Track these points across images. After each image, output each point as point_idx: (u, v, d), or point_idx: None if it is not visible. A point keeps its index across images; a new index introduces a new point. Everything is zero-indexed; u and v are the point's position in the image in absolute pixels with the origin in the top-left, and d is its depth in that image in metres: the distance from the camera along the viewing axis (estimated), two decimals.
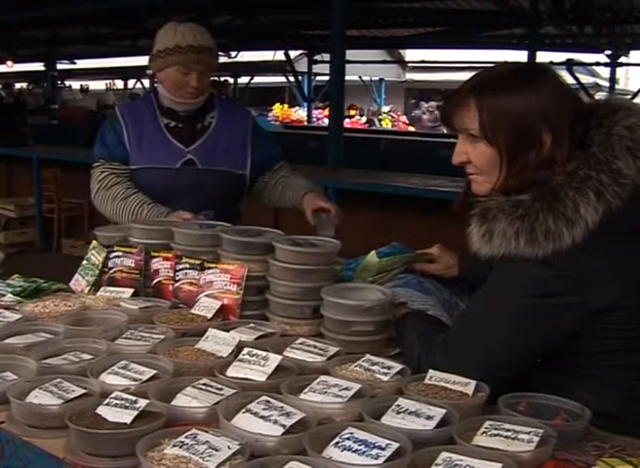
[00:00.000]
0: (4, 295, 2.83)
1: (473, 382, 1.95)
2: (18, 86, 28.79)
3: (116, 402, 1.79)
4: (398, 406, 1.81)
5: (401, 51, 25.73)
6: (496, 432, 1.71)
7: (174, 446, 1.61)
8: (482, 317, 2.04)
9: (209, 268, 2.56)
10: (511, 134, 1.96)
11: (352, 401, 1.85)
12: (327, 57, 10.72)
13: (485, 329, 2.02)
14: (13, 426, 1.87)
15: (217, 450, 1.59)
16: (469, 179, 2.13)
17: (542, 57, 13.49)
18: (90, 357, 2.14)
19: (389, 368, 2.07)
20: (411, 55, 25.37)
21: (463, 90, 2.03)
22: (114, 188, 3.36)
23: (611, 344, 2.00)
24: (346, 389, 1.89)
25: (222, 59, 21.70)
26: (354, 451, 1.59)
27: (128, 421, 1.72)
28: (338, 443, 1.62)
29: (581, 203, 1.89)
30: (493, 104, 1.96)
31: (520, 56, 15.31)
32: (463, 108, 2.01)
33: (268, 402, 1.78)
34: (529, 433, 1.69)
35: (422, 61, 23.70)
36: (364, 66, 20.75)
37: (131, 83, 29.75)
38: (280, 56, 20.59)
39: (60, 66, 23.02)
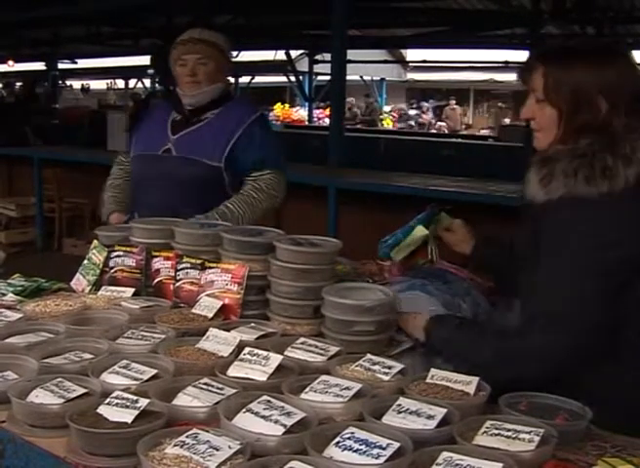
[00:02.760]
0: (5, 295, 2.84)
1: (475, 381, 1.96)
2: (19, 85, 28.79)
3: (117, 401, 1.79)
4: (399, 405, 1.81)
5: (402, 50, 25.71)
6: (496, 432, 1.72)
7: (175, 445, 1.61)
8: (555, 281, 2.04)
9: (210, 268, 2.56)
10: (570, 100, 2.11)
11: (353, 400, 1.85)
12: (328, 56, 10.71)
13: (565, 292, 2.02)
14: (14, 425, 1.87)
15: (217, 450, 1.59)
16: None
17: None
18: (91, 356, 2.14)
19: (390, 367, 2.07)
20: (412, 54, 25.36)
21: (536, 56, 2.20)
22: (110, 178, 3.75)
23: None
24: (347, 389, 1.89)
25: None
26: (355, 451, 1.60)
27: (129, 421, 1.72)
28: (338, 442, 1.63)
29: (638, 147, 2.04)
30: (557, 73, 2.12)
31: (521, 55, 15.31)
32: (533, 72, 2.17)
33: (269, 401, 1.78)
34: (530, 433, 1.70)
35: (424, 61, 23.72)
36: (365, 66, 20.75)
37: (132, 83, 29.74)
38: (281, 55, 20.60)
39: (61, 66, 23.02)
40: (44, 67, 22.46)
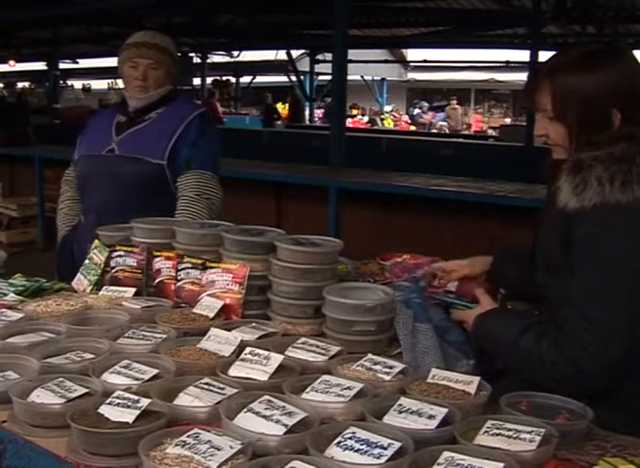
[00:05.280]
0: (6, 295, 2.83)
1: (476, 381, 1.96)
2: (20, 85, 28.80)
3: (118, 401, 1.79)
4: (400, 405, 1.81)
5: (403, 50, 25.72)
6: (497, 431, 1.72)
7: (176, 445, 1.61)
8: (592, 292, 2.02)
9: (211, 268, 2.56)
10: (580, 113, 2.10)
11: (354, 400, 1.85)
12: (329, 56, 10.69)
13: (603, 304, 2.00)
14: (15, 425, 1.87)
15: (219, 450, 1.60)
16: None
17: (545, 56, 13.47)
18: (92, 356, 2.14)
19: (391, 367, 2.07)
20: (413, 54, 25.37)
21: (542, 72, 2.18)
22: (61, 199, 3.91)
23: None
24: (348, 388, 1.89)
25: (224, 59, 21.83)
26: (356, 451, 1.60)
27: (130, 421, 1.72)
28: (340, 442, 1.63)
29: None
30: (564, 86, 2.11)
31: (522, 55, 15.32)
32: (540, 89, 2.16)
33: (270, 401, 1.79)
34: (530, 432, 1.70)
35: (424, 61, 23.73)
36: (366, 66, 20.75)
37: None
38: (282, 55, 20.63)
39: (62, 66, 23.04)
40: (45, 67, 22.47)
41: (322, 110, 23.45)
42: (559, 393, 1.93)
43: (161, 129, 3.45)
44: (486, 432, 1.72)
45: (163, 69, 3.51)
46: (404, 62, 27.04)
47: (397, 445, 1.61)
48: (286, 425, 1.69)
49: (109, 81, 30.16)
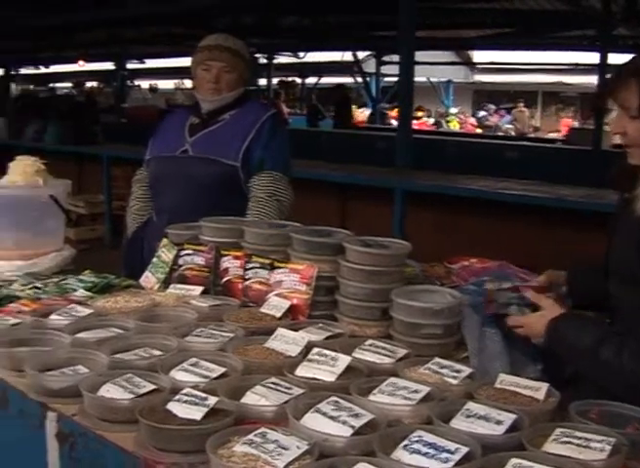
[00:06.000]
0: (76, 290, 2.88)
1: (545, 387, 1.93)
2: (88, 85, 29.27)
3: (186, 398, 1.80)
4: (467, 409, 1.79)
5: (469, 52, 25.53)
6: (567, 439, 1.69)
7: (243, 443, 1.62)
8: None
9: (279, 268, 2.57)
10: None
11: (421, 403, 1.84)
12: (395, 58, 10.63)
13: None
14: (84, 419, 1.90)
15: (286, 450, 1.60)
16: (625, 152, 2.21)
17: (615, 58, 13.25)
18: (160, 353, 2.16)
19: (458, 371, 2.05)
20: (479, 56, 25.17)
21: (627, 71, 2.14)
22: (132, 200, 3.88)
23: None
24: (415, 391, 1.88)
25: (290, 60, 21.90)
26: (423, 455, 1.59)
27: (198, 418, 1.73)
28: (407, 445, 1.62)
29: None
30: None
31: (591, 57, 15.08)
32: (624, 88, 2.12)
33: (337, 402, 1.78)
34: (601, 441, 1.67)
35: (491, 63, 23.53)
36: (432, 68, 20.63)
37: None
38: (348, 56, 20.61)
39: (129, 66, 23.32)
40: (113, 67, 22.77)
41: (389, 112, 23.37)
42: (633, 402, 1.90)
43: (234, 130, 3.48)
44: (555, 440, 1.69)
45: (236, 72, 3.54)
46: (470, 64, 26.83)
47: (464, 449, 1.60)
48: (353, 426, 1.69)
49: (176, 81, 30.49)
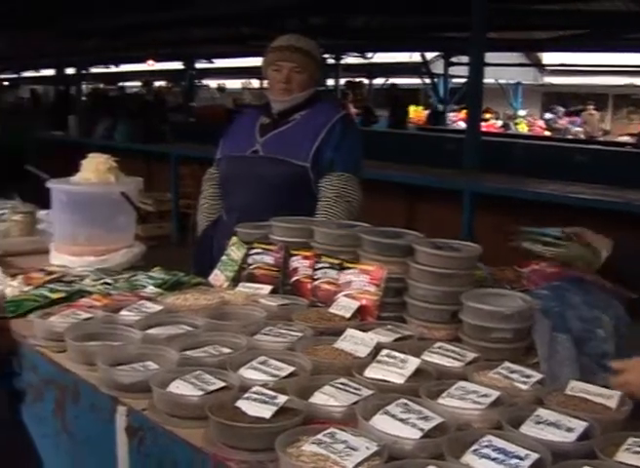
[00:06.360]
0: (145, 287, 2.91)
1: (617, 395, 1.90)
2: (157, 84, 29.62)
3: (256, 396, 1.81)
4: (537, 416, 1.77)
5: (539, 54, 25.23)
6: (639, 449, 1.65)
7: (312, 443, 1.62)
8: None
9: (348, 268, 2.56)
10: None
11: (491, 408, 1.82)
12: (464, 59, 10.56)
13: None
14: (154, 414, 1.92)
15: (355, 450, 1.60)
16: None
17: None
18: (229, 351, 2.18)
19: (528, 376, 2.03)
20: (549, 58, 24.85)
21: None
22: (202, 198, 3.85)
23: None
24: (485, 396, 1.86)
25: (358, 60, 21.89)
26: (493, 460, 1.57)
27: (267, 416, 1.74)
28: (476, 450, 1.60)
29: None
30: None
31: None
32: None
33: (407, 405, 1.78)
34: None
35: (561, 65, 23.21)
36: (500, 69, 20.43)
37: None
38: (416, 57, 20.52)
39: (198, 65, 23.55)
40: (182, 67, 23.02)
41: (456, 114, 23.23)
42: None
43: (305, 131, 3.49)
44: (627, 449, 1.65)
45: (307, 73, 3.55)
46: (540, 66, 26.52)
47: (535, 456, 1.58)
48: (422, 429, 1.68)
49: (243, 81, 30.71)
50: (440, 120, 20.35)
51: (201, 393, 1.88)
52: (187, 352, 2.16)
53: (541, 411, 1.79)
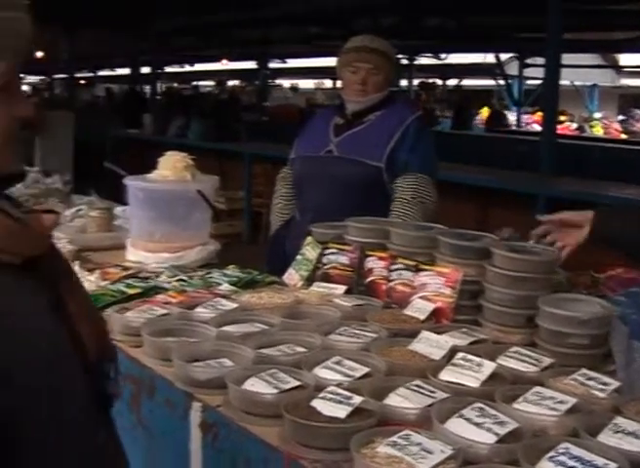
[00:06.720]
0: (220, 284, 2.94)
1: None
2: (230, 83, 29.90)
3: (331, 396, 1.81)
4: (616, 424, 1.74)
5: (616, 55, 24.80)
6: None
7: (386, 444, 1.61)
8: None
9: (424, 270, 2.55)
10: None
11: (568, 415, 1.79)
12: (538, 60, 10.41)
13: None
14: (228, 410, 1.93)
15: (430, 453, 1.59)
16: None
17: None
18: (304, 350, 2.18)
19: (606, 384, 1.99)
20: (626, 59, 24.40)
21: None
22: (276, 197, 3.87)
23: None
24: (561, 402, 1.83)
25: (431, 61, 21.79)
26: None
27: (342, 416, 1.73)
28: (552, 457, 1.58)
29: None
30: None
31: None
32: None
33: (482, 409, 1.76)
34: None
35: (639, 66, 22.78)
36: (575, 71, 20.15)
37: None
38: (490, 58, 20.34)
39: (271, 65, 23.69)
40: (256, 66, 23.18)
41: (530, 116, 22.96)
42: None
43: (380, 131, 3.49)
44: None
45: (383, 74, 3.56)
46: (617, 67, 26.06)
47: (613, 465, 1.55)
48: (497, 434, 1.66)
49: (316, 81, 30.81)
50: (501, 121, 20.08)
51: (276, 391, 1.88)
52: (262, 350, 2.16)
53: (620, 420, 1.75)
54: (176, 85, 30.05)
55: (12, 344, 1.12)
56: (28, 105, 1.24)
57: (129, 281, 2.95)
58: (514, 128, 20.31)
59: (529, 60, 19.57)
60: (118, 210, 4.06)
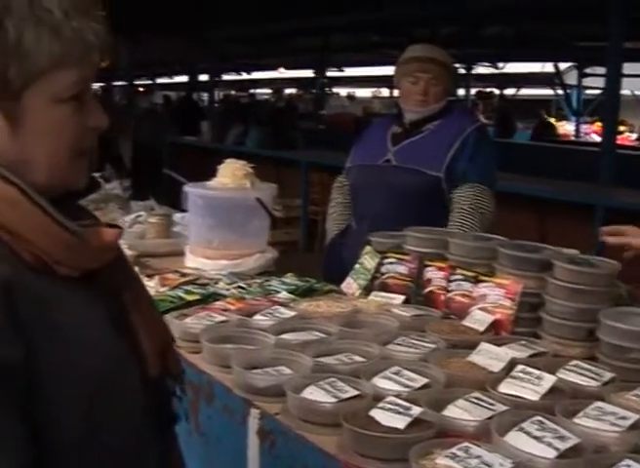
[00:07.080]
0: (279, 292, 2.95)
1: None
2: (287, 91, 30.02)
3: (390, 406, 1.80)
4: None
5: None
6: None
7: (446, 456, 1.61)
8: None
9: (483, 281, 2.54)
10: None
11: (630, 431, 1.76)
12: (598, 69, 10.30)
13: None
14: (287, 418, 1.94)
15: (488, 466, 1.57)
16: None
17: None
18: (362, 359, 2.18)
19: None
20: None
21: None
22: (332, 206, 3.89)
23: None
24: (623, 418, 1.80)
25: (489, 70, 21.67)
26: None
27: (401, 427, 1.73)
28: None
29: None
30: None
31: None
32: None
33: (542, 422, 1.74)
34: None
35: None
36: (635, 80, 19.87)
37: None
38: (549, 68, 20.17)
39: (328, 73, 23.74)
40: (313, 74, 23.25)
41: (588, 125, 22.69)
42: None
43: (438, 141, 3.48)
44: None
45: (442, 85, 3.56)
46: None
47: None
48: (557, 449, 1.64)
49: (373, 89, 30.78)
50: (550, 132, 19.83)
51: (334, 400, 1.89)
52: (320, 358, 2.17)
53: None
54: (233, 92, 30.24)
55: (64, 355, 1.14)
56: (102, 116, 1.26)
57: (188, 287, 2.98)
58: (572, 138, 20.08)
59: (588, 70, 19.36)
60: (177, 216, 4.10)
